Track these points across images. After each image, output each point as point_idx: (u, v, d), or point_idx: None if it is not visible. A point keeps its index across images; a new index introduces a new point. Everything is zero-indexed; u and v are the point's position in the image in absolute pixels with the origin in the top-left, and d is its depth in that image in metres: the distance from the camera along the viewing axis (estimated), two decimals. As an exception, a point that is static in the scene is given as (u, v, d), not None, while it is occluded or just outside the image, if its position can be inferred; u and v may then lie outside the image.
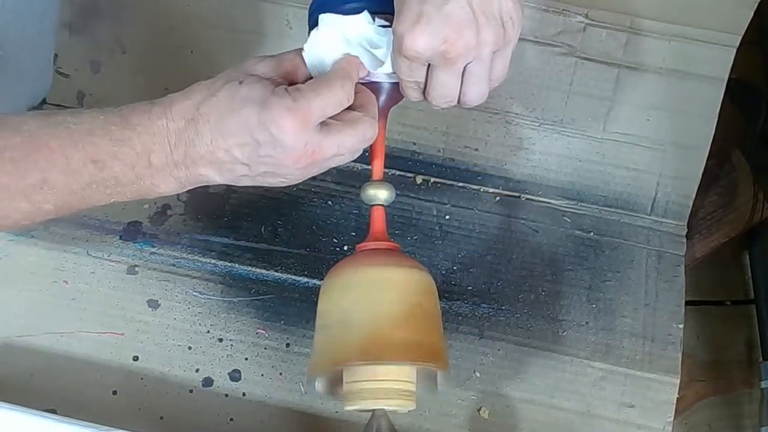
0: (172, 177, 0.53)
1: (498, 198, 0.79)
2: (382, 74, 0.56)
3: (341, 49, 0.54)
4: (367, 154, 0.61)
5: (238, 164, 0.53)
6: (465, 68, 0.52)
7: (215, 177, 0.54)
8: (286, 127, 0.50)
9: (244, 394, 0.71)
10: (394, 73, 0.55)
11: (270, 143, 0.51)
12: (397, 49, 0.52)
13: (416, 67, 0.53)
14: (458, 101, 0.55)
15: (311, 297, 0.73)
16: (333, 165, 0.54)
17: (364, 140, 0.54)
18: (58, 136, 0.51)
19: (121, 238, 0.75)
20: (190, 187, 0.55)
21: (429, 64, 0.52)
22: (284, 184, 0.55)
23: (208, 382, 0.71)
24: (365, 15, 0.54)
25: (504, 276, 0.76)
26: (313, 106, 0.51)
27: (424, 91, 0.55)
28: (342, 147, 0.53)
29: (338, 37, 0.54)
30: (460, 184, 0.79)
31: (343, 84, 0.52)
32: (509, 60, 0.54)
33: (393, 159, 0.79)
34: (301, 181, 0.55)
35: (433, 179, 0.80)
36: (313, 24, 0.57)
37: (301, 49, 0.55)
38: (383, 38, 0.55)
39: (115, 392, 0.70)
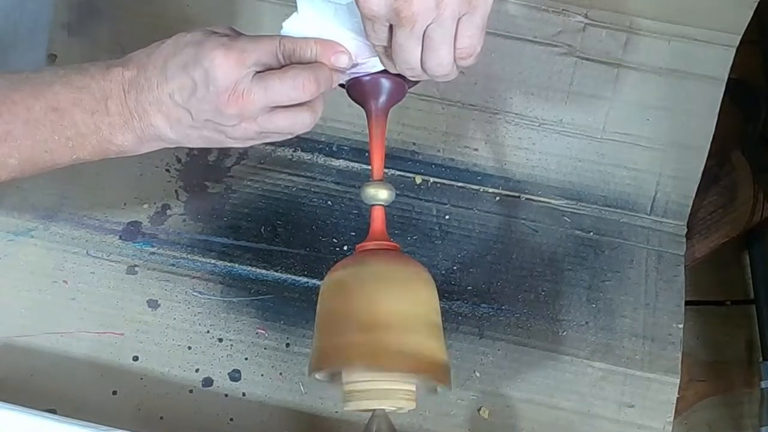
0: (128, 128, 0.55)
1: (498, 198, 0.79)
2: (374, 65, 0.56)
3: (326, 33, 0.54)
4: (367, 154, 0.61)
5: (181, 110, 0.54)
6: (425, 32, 0.50)
7: (166, 130, 0.56)
8: (216, 59, 0.52)
9: (244, 394, 0.71)
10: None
11: (203, 81, 0.53)
12: (359, 7, 0.50)
13: (378, 27, 0.51)
14: (423, 71, 0.53)
15: (311, 297, 0.73)
16: (270, 127, 0.55)
17: (295, 87, 0.53)
18: (20, 89, 0.54)
19: (120, 238, 0.75)
20: (147, 145, 0.58)
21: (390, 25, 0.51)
22: (233, 144, 0.57)
23: (208, 382, 0.71)
24: (351, 4, 0.53)
25: (504, 276, 0.76)
26: (248, 48, 0.53)
27: None
28: (271, 92, 0.53)
29: (320, 22, 0.54)
30: (460, 184, 0.79)
31: (286, 41, 0.54)
32: (480, 31, 0.51)
33: (393, 159, 0.79)
34: (244, 143, 0.57)
35: (432, 179, 0.79)
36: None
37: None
38: None
39: (115, 392, 0.70)
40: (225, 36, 0.54)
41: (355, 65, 0.56)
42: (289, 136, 0.57)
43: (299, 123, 0.56)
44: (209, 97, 0.53)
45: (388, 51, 0.53)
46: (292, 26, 0.55)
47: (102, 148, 0.57)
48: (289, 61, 0.54)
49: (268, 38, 0.54)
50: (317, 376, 0.58)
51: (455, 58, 0.52)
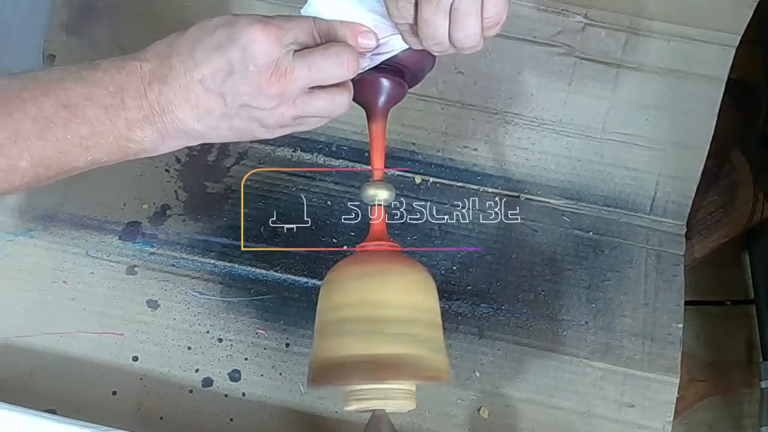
0: (148, 123, 0.52)
1: (497, 198, 0.79)
2: (393, 45, 0.55)
3: (343, 14, 0.53)
4: (366, 154, 0.61)
5: (213, 96, 0.51)
6: (452, 5, 0.49)
7: (193, 122, 0.52)
8: (255, 35, 0.49)
9: (243, 394, 0.71)
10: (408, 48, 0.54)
11: (241, 60, 0.50)
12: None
13: (403, 5, 0.50)
14: (450, 45, 0.52)
15: (311, 297, 0.73)
16: (309, 110, 0.53)
17: (339, 64, 0.51)
18: (29, 87, 0.51)
19: (120, 238, 0.75)
20: (169, 142, 0.54)
21: (416, 2, 0.50)
22: (263, 135, 0.54)
23: (207, 382, 0.71)
24: None
25: (503, 276, 0.76)
26: (285, 26, 0.50)
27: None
28: (314, 69, 0.51)
29: (340, 3, 0.53)
30: (460, 183, 0.79)
31: (319, 21, 0.52)
32: None
33: (392, 159, 0.79)
34: (275, 132, 0.54)
35: (432, 179, 0.79)
36: None
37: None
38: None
39: (115, 392, 0.70)
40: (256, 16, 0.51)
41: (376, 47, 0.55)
42: (325, 121, 0.55)
43: (338, 104, 0.53)
44: (249, 77, 0.50)
45: (413, 28, 0.52)
46: (315, 7, 0.54)
47: (120, 147, 0.53)
48: (325, 40, 0.52)
49: (302, 18, 0.52)
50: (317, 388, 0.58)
51: (483, 28, 0.51)
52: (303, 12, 0.54)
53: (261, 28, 0.49)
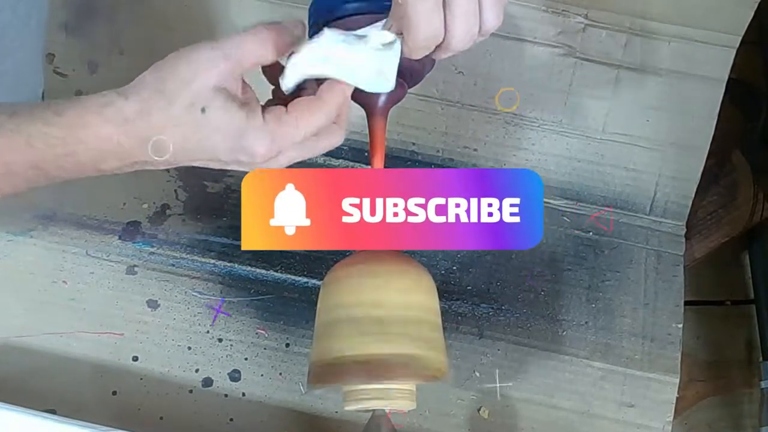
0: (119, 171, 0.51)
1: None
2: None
3: (330, 71, 0.52)
4: (366, 154, 0.61)
5: (195, 164, 0.52)
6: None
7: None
8: (258, 156, 0.49)
9: (243, 394, 0.71)
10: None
11: (245, 163, 0.51)
12: None
13: (436, 13, 0.49)
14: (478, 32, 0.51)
15: (311, 297, 0.73)
16: (306, 155, 0.53)
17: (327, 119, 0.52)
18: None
19: (120, 238, 0.75)
20: None
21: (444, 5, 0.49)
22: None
23: (207, 382, 0.71)
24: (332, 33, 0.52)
25: (503, 276, 0.76)
26: (293, 138, 0.50)
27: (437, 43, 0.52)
28: (305, 134, 0.51)
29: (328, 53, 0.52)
30: (460, 184, 0.79)
31: (330, 114, 0.51)
32: None
33: (392, 159, 0.79)
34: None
35: (432, 179, 0.79)
36: (312, 24, 0.57)
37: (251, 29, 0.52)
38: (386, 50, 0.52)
39: (114, 392, 0.70)
40: (262, 123, 0.49)
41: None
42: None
43: (335, 142, 0.54)
44: (239, 168, 0.51)
45: (438, 35, 0.50)
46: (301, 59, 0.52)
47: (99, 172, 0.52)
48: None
49: (311, 120, 0.51)
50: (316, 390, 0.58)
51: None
52: (288, 69, 0.52)
53: (266, 147, 0.49)
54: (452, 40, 0.51)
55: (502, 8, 0.51)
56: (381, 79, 0.52)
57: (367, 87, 0.53)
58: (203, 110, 0.49)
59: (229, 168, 0.52)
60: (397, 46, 0.51)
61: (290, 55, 0.52)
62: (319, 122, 0.51)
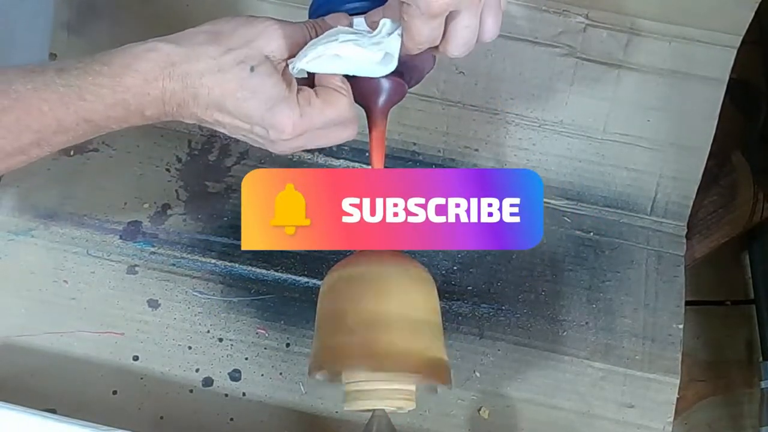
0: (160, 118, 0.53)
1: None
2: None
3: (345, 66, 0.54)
4: (366, 154, 0.61)
5: (221, 129, 0.54)
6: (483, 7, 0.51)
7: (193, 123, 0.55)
8: (285, 131, 0.52)
9: (244, 394, 0.71)
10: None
11: (264, 136, 0.53)
12: (421, 11, 0.49)
13: (437, 24, 0.50)
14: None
15: (311, 297, 0.73)
16: (320, 143, 0.55)
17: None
18: (47, 98, 0.50)
19: (121, 237, 0.75)
20: None
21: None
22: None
23: (208, 382, 0.71)
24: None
25: (504, 276, 0.76)
26: (316, 123, 0.53)
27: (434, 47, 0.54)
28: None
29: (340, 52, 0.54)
30: (460, 184, 0.79)
31: (351, 107, 0.54)
32: None
33: (393, 159, 0.79)
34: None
35: (433, 179, 0.79)
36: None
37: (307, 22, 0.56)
38: (385, 40, 0.54)
39: (115, 392, 0.70)
40: (295, 101, 0.52)
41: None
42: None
43: (346, 136, 0.56)
44: (263, 144, 0.54)
45: (436, 43, 0.53)
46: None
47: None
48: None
49: (336, 113, 0.54)
50: (317, 376, 0.58)
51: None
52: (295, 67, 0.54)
53: (292, 126, 0.52)
54: (449, 47, 0.53)
55: (501, 18, 0.52)
56: (386, 60, 0.54)
57: (375, 73, 0.55)
58: (252, 69, 0.51)
59: (248, 137, 0.54)
60: (399, 29, 0.53)
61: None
62: (341, 113, 0.53)
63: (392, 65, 0.55)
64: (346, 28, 0.55)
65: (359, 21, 0.56)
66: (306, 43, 0.55)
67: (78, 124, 0.51)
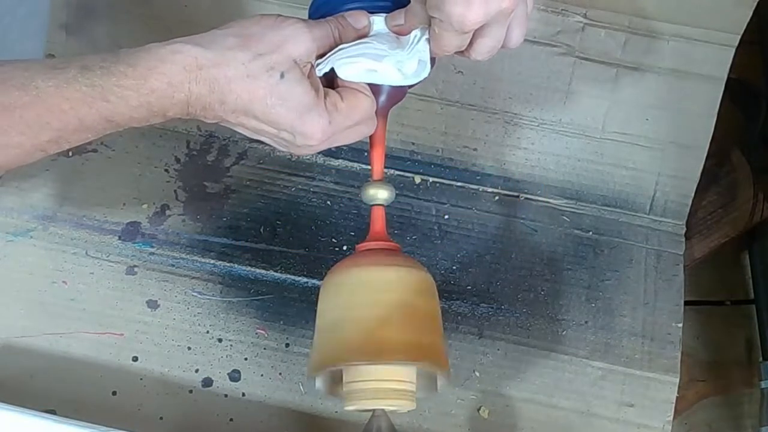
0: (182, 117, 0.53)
1: (497, 198, 0.79)
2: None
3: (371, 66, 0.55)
4: (366, 154, 0.61)
5: (241, 129, 0.54)
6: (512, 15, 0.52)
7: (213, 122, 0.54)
8: (314, 138, 0.52)
9: (243, 395, 0.71)
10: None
11: (290, 141, 0.53)
12: (454, 28, 0.50)
13: (468, 36, 0.51)
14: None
15: (311, 297, 0.73)
16: (340, 142, 0.56)
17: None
18: (69, 97, 0.49)
19: (120, 238, 0.75)
20: None
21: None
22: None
23: (207, 382, 0.71)
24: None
25: (503, 275, 0.76)
26: (342, 127, 0.53)
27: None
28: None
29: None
30: (459, 183, 0.79)
31: (373, 106, 0.55)
32: None
33: (392, 159, 0.79)
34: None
35: (432, 179, 0.80)
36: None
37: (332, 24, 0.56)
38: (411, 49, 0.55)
39: (114, 392, 0.70)
40: (323, 108, 0.52)
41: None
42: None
43: (367, 132, 0.57)
44: (289, 147, 0.55)
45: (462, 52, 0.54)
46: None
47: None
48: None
49: (361, 115, 0.54)
50: (317, 383, 0.59)
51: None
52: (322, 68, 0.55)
53: (321, 132, 0.52)
54: (473, 54, 0.54)
55: (526, 27, 0.54)
56: (421, 68, 0.55)
57: (407, 82, 0.56)
58: (282, 75, 0.51)
59: (272, 140, 0.54)
60: (426, 34, 0.54)
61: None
62: (365, 114, 0.54)
63: (425, 73, 0.55)
64: (376, 38, 0.55)
65: (379, 20, 0.56)
66: (332, 46, 0.55)
67: (99, 123, 0.50)
